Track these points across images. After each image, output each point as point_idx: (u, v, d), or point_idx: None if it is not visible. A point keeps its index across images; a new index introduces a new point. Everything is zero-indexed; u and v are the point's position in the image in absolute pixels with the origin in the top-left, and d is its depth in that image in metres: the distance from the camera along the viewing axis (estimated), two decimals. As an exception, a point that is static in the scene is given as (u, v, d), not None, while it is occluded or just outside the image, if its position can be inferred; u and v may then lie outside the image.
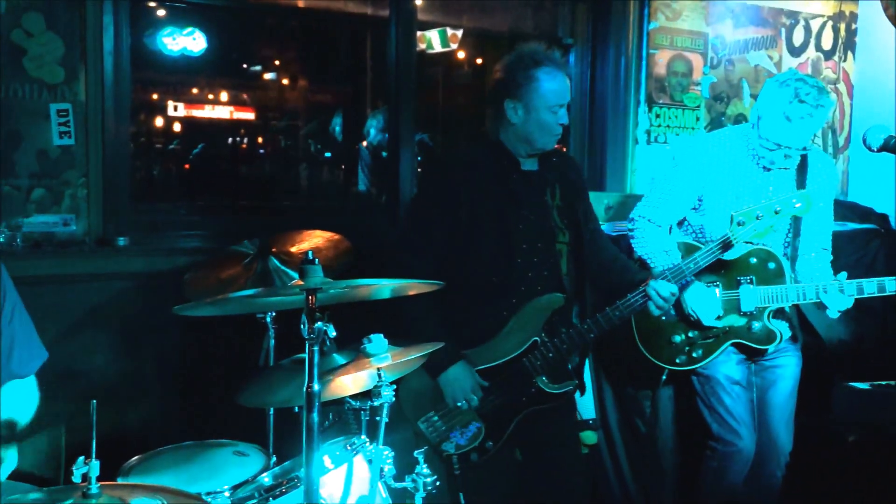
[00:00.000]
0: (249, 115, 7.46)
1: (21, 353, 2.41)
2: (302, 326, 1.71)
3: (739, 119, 4.93)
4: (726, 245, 2.93)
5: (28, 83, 3.21)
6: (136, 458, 2.65)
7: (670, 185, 3.30)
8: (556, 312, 2.91)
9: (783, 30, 5.08)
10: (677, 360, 3.24)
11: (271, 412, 3.01)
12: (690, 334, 3.22)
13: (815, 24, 5.20)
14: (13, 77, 3.18)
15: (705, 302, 3.14)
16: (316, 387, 1.74)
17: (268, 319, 3.00)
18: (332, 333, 1.72)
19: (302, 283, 1.72)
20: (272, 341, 3.04)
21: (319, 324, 1.70)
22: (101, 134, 3.35)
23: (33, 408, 2.45)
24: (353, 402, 2.55)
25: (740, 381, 3.27)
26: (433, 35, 7.35)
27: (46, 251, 3.24)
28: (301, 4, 5.28)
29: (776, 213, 2.85)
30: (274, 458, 2.73)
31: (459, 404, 2.81)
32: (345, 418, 3.12)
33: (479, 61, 6.91)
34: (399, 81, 4.04)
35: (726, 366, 3.26)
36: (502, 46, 5.92)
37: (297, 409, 3.00)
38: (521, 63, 2.92)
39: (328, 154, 6.14)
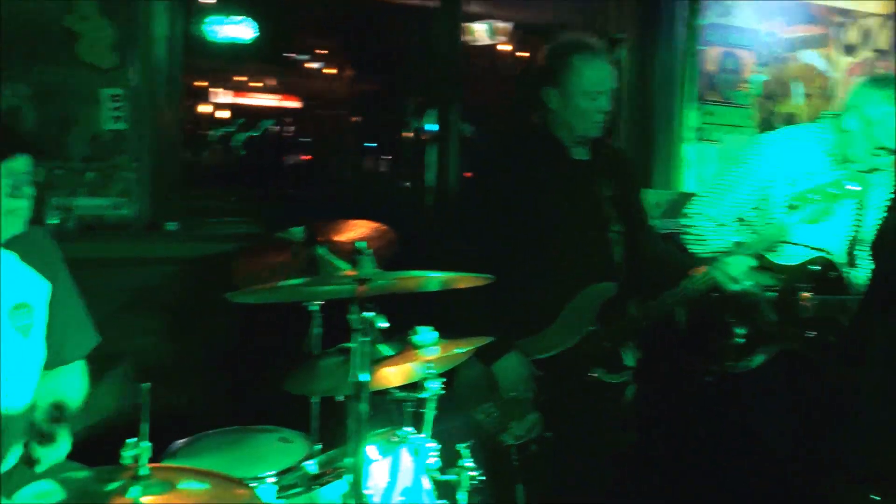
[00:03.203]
0: (296, 104, 7.50)
1: (73, 336, 2.44)
2: (352, 316, 1.71)
3: (790, 118, 4.86)
4: (783, 229, 2.89)
5: (81, 68, 3.24)
6: (181, 441, 2.68)
7: (733, 181, 3.23)
8: (610, 302, 2.89)
9: (835, 28, 4.99)
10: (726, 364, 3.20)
11: (316, 400, 3.02)
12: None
13: (870, 23, 5.10)
14: (66, 62, 3.21)
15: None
16: (364, 377, 1.73)
17: (315, 307, 3.02)
18: (383, 324, 1.71)
19: (354, 272, 1.72)
20: (319, 329, 3.06)
21: (369, 314, 1.69)
22: (152, 119, 3.38)
23: (84, 390, 2.49)
24: (397, 393, 2.57)
25: None
26: (480, 27, 7.36)
27: (97, 234, 3.28)
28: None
29: (830, 194, 2.78)
30: (318, 447, 2.74)
31: (514, 394, 2.80)
32: (386, 409, 3.13)
33: (525, 55, 6.89)
34: (447, 72, 4.03)
35: None
36: (550, 40, 5.91)
37: (341, 399, 3.04)
38: (558, 50, 2.93)
39: (370, 144, 6.15)
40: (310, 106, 7.48)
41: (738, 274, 2.87)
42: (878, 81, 3.08)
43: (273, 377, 3.04)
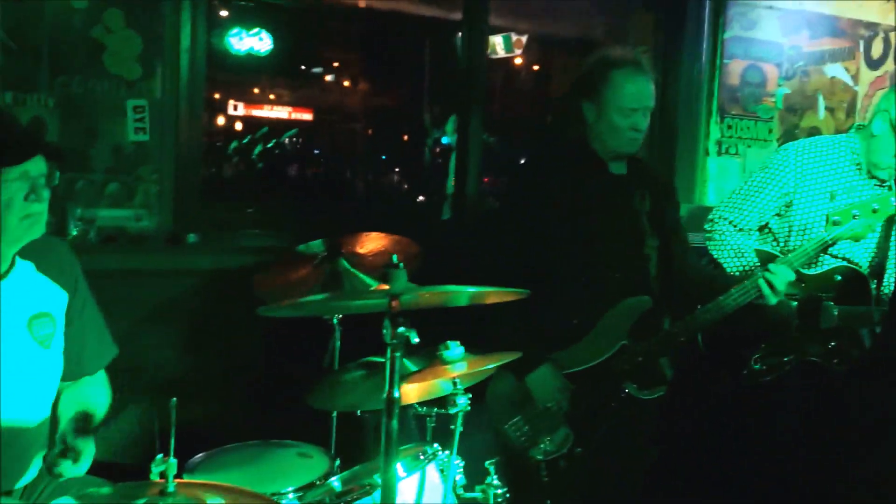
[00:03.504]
0: (310, 116, 7.50)
1: (93, 347, 2.42)
2: (384, 331, 1.68)
3: (813, 132, 4.81)
4: (826, 245, 2.88)
5: (106, 79, 3.24)
6: (201, 455, 2.65)
7: (758, 186, 3.20)
8: (644, 317, 2.86)
9: (861, 42, 4.94)
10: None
11: (334, 415, 3.00)
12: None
13: (895, 37, 5.05)
14: (92, 73, 3.21)
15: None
16: (396, 393, 1.70)
17: (335, 321, 3.00)
18: (415, 340, 1.68)
19: (386, 287, 1.69)
20: (338, 343, 3.04)
21: (402, 329, 1.67)
22: (174, 131, 3.37)
23: (107, 401, 2.47)
24: (420, 409, 2.54)
25: None
26: (497, 40, 7.36)
27: (118, 245, 3.27)
28: (362, 4, 5.32)
29: (874, 211, 2.76)
30: (337, 462, 2.72)
31: (549, 405, 2.77)
32: (407, 424, 3.10)
33: (546, 67, 6.88)
34: (469, 85, 4.01)
35: None
36: (572, 52, 5.90)
37: (359, 414, 3.01)
38: (599, 64, 2.91)
39: (384, 156, 6.15)
40: (327, 118, 7.48)
41: (781, 287, 2.84)
42: None
43: (293, 391, 3.03)
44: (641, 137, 2.94)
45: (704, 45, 4.46)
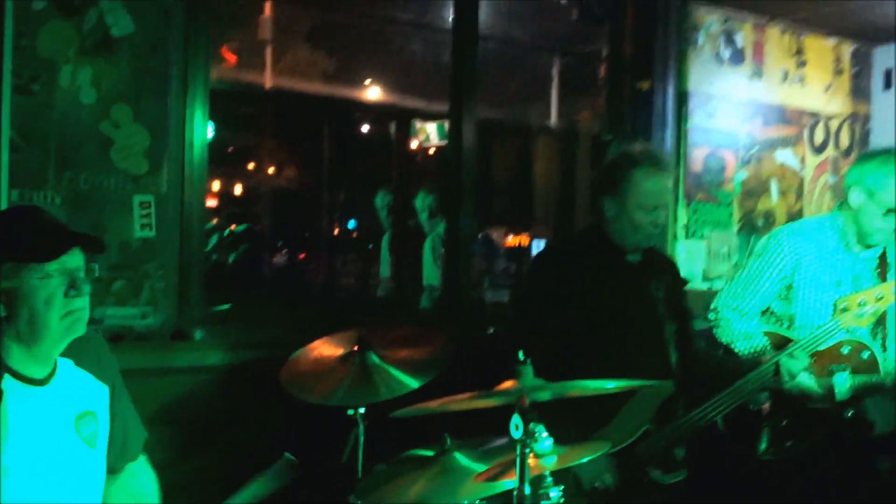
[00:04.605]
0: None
1: (133, 433, 2.36)
2: (513, 428, 1.69)
3: (768, 214, 5.07)
4: (835, 331, 3.03)
5: (113, 175, 3.19)
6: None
7: (756, 273, 3.36)
8: (665, 402, 2.91)
9: (805, 129, 5.27)
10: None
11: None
12: None
13: (833, 125, 5.40)
14: (100, 168, 3.16)
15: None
16: (527, 490, 1.70)
17: (358, 415, 2.96)
18: (544, 433, 1.69)
19: (514, 383, 1.71)
20: (362, 437, 2.99)
21: (532, 424, 1.68)
22: (179, 226, 3.32)
23: (155, 484, 2.39)
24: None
25: None
26: (431, 128, 7.49)
27: (126, 345, 3.17)
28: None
29: (878, 300, 2.93)
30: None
31: (596, 484, 2.77)
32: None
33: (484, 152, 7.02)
34: (458, 175, 4.08)
35: None
36: (512, 135, 6.11)
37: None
38: (620, 161, 3.02)
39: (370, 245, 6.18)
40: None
41: (798, 371, 2.97)
42: (867, 156, 3.34)
43: (311, 487, 2.96)
44: (658, 231, 3.06)
45: (671, 135, 4.67)
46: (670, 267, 3.26)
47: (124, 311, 3.20)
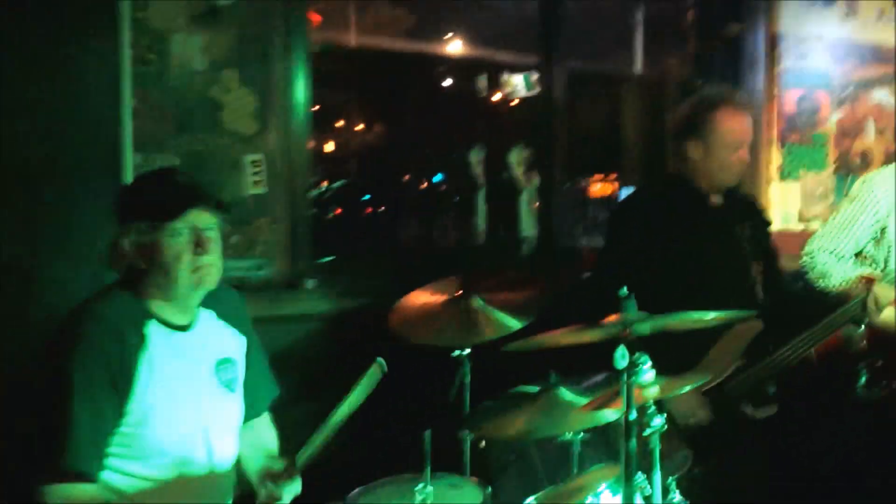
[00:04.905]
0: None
1: (264, 388, 2.54)
2: (619, 358, 1.80)
3: (865, 154, 5.00)
4: None
5: (225, 135, 3.38)
6: (357, 489, 2.73)
7: (850, 216, 3.38)
8: (754, 339, 2.98)
9: (902, 67, 5.16)
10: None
11: (468, 446, 3.09)
12: None
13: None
14: (212, 130, 3.35)
15: None
16: (633, 415, 1.82)
17: (465, 355, 3.10)
18: (648, 363, 1.80)
19: (619, 316, 1.82)
20: (468, 377, 3.13)
21: (636, 355, 1.79)
22: (288, 182, 3.50)
23: (276, 439, 2.57)
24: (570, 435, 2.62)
25: None
26: (518, 79, 7.51)
27: (244, 295, 3.37)
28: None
29: None
30: (489, 490, 2.80)
31: (690, 421, 2.87)
32: (527, 454, 3.19)
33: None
34: (549, 127, 4.17)
35: None
36: (602, 86, 6.10)
37: (481, 446, 3.10)
38: (703, 103, 3.07)
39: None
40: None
41: (885, 304, 2.99)
42: None
43: (420, 424, 3.12)
44: (743, 169, 3.11)
45: (761, 78, 4.65)
46: (754, 207, 3.31)
47: (241, 264, 3.41)
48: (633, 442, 1.86)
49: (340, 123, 7.59)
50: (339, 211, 5.96)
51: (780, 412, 3.12)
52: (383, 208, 6.72)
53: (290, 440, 2.53)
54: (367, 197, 6.88)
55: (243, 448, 2.45)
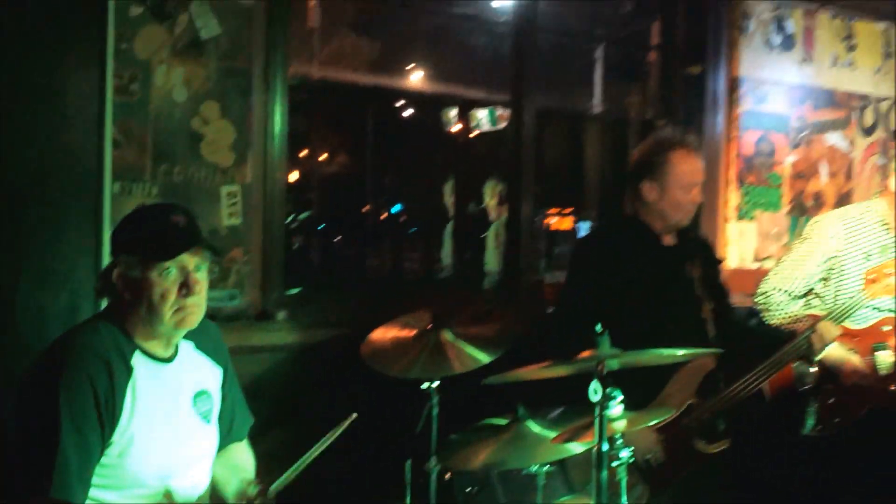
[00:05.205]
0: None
1: (240, 416, 2.58)
2: (593, 392, 1.89)
3: (817, 196, 5.20)
4: (862, 303, 3.21)
5: (204, 167, 3.43)
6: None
7: (803, 256, 3.53)
8: (706, 376, 3.10)
9: (855, 112, 5.38)
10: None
11: (434, 476, 3.15)
12: None
13: (882, 107, 5.50)
14: (191, 161, 3.40)
15: None
16: (605, 447, 1.91)
17: (432, 389, 3.17)
18: (619, 397, 1.89)
19: (594, 352, 1.91)
20: (436, 409, 3.20)
21: (609, 389, 1.88)
22: (262, 213, 3.56)
23: (253, 465, 2.61)
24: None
25: None
26: (482, 114, 7.65)
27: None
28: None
29: None
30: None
31: (647, 457, 2.96)
32: (489, 484, 3.25)
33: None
34: (518, 163, 4.27)
35: None
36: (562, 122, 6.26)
37: (447, 478, 3.17)
38: (658, 146, 3.21)
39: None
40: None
41: (829, 340, 3.13)
42: None
43: (388, 455, 3.17)
44: (695, 209, 3.25)
45: (721, 118, 4.82)
46: (705, 246, 3.45)
47: (214, 294, 3.42)
48: (605, 473, 1.94)
49: (305, 153, 7.68)
50: (304, 242, 6.03)
51: (733, 448, 3.23)
52: (348, 239, 6.82)
53: (259, 471, 2.58)
54: (327, 227, 6.96)
55: (221, 470, 2.48)
